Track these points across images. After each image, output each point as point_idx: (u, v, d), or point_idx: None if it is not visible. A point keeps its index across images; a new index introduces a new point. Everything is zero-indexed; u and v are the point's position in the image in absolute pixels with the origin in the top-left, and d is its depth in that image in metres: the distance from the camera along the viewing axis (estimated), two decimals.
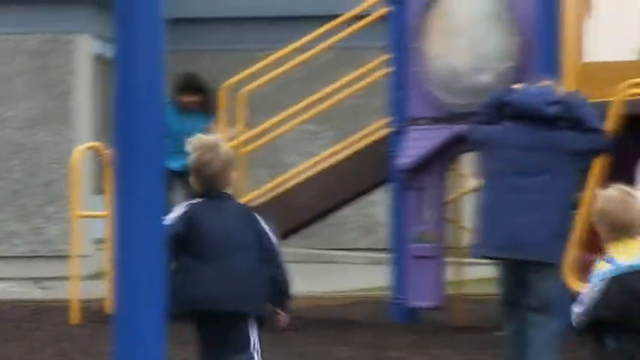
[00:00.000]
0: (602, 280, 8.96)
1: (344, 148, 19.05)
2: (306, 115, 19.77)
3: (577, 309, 8.63)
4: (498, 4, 16.59)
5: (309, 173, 18.97)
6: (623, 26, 15.42)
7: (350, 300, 20.71)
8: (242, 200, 15.67)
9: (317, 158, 19.59)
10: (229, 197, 10.53)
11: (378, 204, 21.92)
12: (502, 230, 13.04)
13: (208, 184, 10.31)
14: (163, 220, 8.62)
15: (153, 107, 7.16)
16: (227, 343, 10.00)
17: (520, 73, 16.21)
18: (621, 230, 9.60)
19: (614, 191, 9.38)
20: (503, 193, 13.31)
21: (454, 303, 17.67)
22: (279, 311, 10.25)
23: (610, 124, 13.84)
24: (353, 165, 17.95)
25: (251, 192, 18.96)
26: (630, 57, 15.48)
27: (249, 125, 19.47)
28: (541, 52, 15.96)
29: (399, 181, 17.29)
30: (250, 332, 10.00)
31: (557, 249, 13.20)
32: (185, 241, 9.99)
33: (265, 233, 10.25)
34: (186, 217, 10.08)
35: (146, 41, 7.15)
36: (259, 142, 19.69)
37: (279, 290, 10.18)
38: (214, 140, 10.71)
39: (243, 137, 19.11)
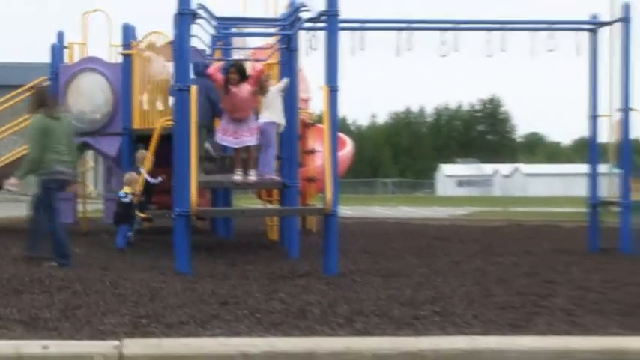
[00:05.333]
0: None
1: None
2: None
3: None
4: (104, 81, 16.76)
5: None
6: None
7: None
8: None
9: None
10: None
11: None
12: None
13: None
14: None
15: None
16: None
17: (114, 114, 16.65)
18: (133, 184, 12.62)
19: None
20: None
21: (82, 220, 18.25)
22: None
23: (154, 139, 14.47)
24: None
25: None
26: (161, 107, 15.86)
27: None
28: (124, 103, 16.31)
29: None
30: None
31: None
32: None
33: None
34: None
35: None
36: None
37: None
38: None
39: None
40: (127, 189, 14.08)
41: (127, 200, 14.02)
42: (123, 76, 16.45)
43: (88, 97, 16.98)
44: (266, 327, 7.03)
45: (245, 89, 12.36)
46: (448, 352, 5.09)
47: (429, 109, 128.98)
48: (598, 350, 5.23)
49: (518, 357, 5.10)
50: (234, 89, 12.33)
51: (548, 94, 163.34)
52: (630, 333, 6.56)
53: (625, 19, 14.18)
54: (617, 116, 14.70)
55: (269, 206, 16.36)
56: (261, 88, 12.55)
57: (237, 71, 12.41)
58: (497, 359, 5.11)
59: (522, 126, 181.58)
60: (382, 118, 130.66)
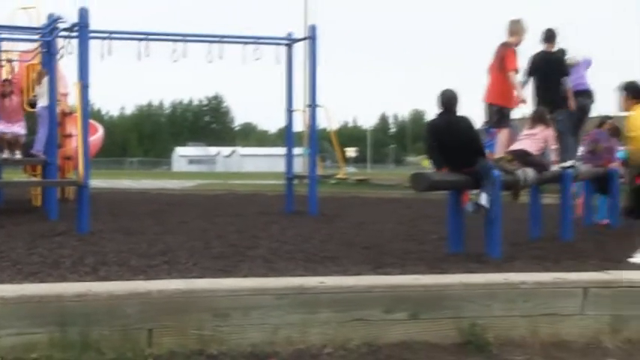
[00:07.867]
0: None
1: None
2: None
3: None
4: None
5: None
6: None
7: None
8: None
9: None
10: None
11: None
12: None
13: None
14: None
15: None
16: None
17: None
18: None
19: None
20: None
21: None
22: None
23: None
24: None
25: None
26: None
27: None
28: None
29: None
30: None
31: None
32: None
33: None
34: None
35: None
36: None
37: None
38: None
39: None
40: None
41: None
42: None
43: None
44: (25, 276, 6.77)
45: (14, 100, 12.72)
46: (170, 292, 5.12)
47: (167, 103, 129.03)
48: (286, 287, 5.41)
49: (224, 294, 5.21)
50: (6, 101, 12.67)
51: (258, 93, 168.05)
52: (311, 274, 6.79)
53: (312, 37, 14.63)
54: (308, 111, 15.17)
55: (33, 179, 15.69)
56: (39, 79, 12.87)
57: (10, 84, 12.70)
58: (208, 296, 5.19)
59: (239, 117, 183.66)
60: (129, 110, 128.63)
